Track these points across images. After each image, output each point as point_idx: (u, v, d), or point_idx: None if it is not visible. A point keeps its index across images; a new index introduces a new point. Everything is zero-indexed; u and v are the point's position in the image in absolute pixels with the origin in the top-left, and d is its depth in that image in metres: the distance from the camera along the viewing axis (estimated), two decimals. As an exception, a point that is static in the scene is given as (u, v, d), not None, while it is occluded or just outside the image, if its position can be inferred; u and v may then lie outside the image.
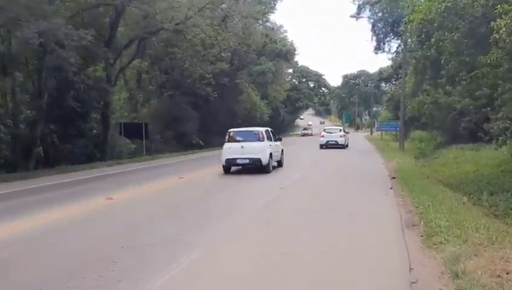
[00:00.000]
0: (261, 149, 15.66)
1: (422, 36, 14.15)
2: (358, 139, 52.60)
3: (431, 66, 16.46)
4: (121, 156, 25.23)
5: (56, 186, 12.91)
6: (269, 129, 17.80)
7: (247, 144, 15.76)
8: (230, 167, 16.14)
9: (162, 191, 11.68)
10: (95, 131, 25.17)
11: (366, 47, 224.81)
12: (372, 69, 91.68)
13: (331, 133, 33.22)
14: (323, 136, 32.64)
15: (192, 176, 15.29)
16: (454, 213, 7.66)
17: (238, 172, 16.01)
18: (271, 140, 16.85)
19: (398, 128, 37.29)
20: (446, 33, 11.52)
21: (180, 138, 34.80)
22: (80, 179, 14.51)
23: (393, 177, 13.25)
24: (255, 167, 15.59)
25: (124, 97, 31.51)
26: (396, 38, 31.91)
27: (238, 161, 15.85)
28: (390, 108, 51.11)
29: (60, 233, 7.08)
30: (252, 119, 52.64)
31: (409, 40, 30.91)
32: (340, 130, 33.98)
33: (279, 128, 78.37)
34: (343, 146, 31.63)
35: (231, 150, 15.91)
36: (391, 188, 11.30)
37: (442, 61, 12.04)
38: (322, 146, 31.59)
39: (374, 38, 33.03)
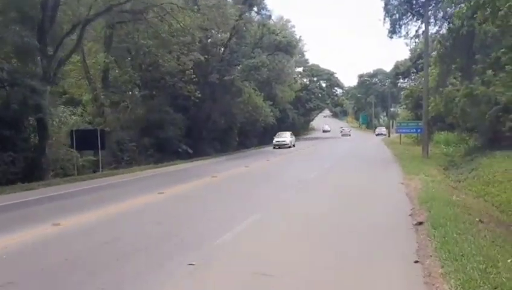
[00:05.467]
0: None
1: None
2: (374, 142, 46.62)
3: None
4: (68, 173, 19.96)
5: None
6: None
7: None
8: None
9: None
10: (36, 142, 19.98)
11: (382, 46, 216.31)
12: (389, 67, 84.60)
13: None
14: None
15: (79, 218, 9.09)
16: None
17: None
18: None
19: (420, 130, 31.32)
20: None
21: (161, 145, 29.43)
22: None
23: (420, 223, 7.46)
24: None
25: (87, 99, 26.26)
26: (415, 19, 25.88)
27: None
28: (410, 106, 44.84)
29: None
30: (254, 123, 46.74)
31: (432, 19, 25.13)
32: None
33: (287, 131, 71.38)
34: None
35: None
36: (416, 261, 5.56)
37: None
38: None
39: (388, 19, 26.90)
